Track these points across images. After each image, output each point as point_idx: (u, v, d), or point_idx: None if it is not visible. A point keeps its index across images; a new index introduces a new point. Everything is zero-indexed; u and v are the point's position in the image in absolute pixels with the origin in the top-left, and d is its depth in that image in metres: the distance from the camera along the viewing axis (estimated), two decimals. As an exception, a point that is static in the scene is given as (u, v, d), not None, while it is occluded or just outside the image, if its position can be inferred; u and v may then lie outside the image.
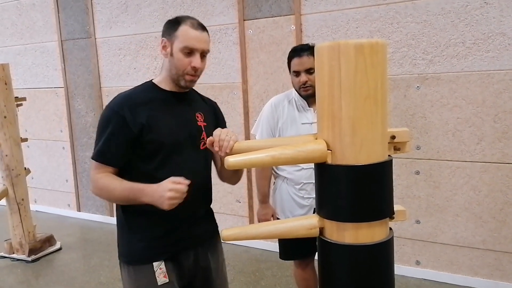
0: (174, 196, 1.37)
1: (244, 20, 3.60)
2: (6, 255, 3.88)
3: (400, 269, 3.16)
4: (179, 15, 1.57)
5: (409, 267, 3.22)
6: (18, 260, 3.82)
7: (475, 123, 2.87)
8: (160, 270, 1.55)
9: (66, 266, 3.69)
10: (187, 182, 1.40)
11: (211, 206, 1.75)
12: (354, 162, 1.06)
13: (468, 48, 2.84)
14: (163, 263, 1.55)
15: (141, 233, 1.57)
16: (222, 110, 1.78)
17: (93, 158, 1.53)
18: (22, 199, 3.84)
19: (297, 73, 2.18)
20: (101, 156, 1.51)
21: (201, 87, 4.01)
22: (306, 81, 2.15)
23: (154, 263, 1.54)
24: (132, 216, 1.58)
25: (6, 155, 3.73)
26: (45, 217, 4.94)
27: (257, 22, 3.55)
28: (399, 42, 3.03)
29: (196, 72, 1.53)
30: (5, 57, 5.08)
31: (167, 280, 1.55)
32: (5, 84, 3.70)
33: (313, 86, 2.14)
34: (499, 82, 2.78)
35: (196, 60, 1.50)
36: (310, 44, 2.23)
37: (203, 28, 1.53)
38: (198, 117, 1.62)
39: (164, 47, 1.54)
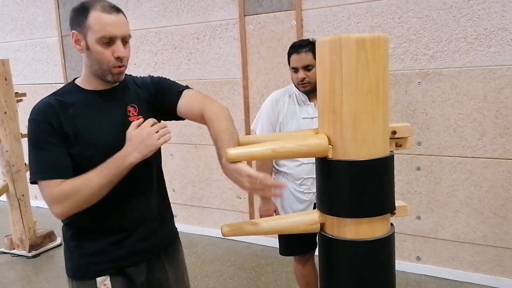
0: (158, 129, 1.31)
1: (244, 16, 3.58)
2: (7, 251, 3.89)
3: (400, 265, 3.15)
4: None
5: (410, 263, 3.21)
6: (18, 255, 3.82)
7: (476, 119, 2.86)
8: (104, 287, 1.43)
9: (66, 261, 3.69)
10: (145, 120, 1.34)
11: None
12: (355, 157, 1.05)
13: (470, 43, 2.82)
14: (108, 278, 1.43)
15: (82, 248, 1.44)
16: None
17: (42, 178, 1.30)
18: (23, 195, 3.84)
19: (295, 70, 2.18)
20: (51, 170, 1.30)
21: (201, 82, 4.02)
22: (304, 78, 2.14)
23: (97, 279, 1.42)
24: (73, 230, 1.45)
25: (7, 151, 3.73)
26: (45, 213, 4.88)
27: (258, 17, 3.53)
28: (400, 38, 3.01)
29: (122, 62, 1.34)
30: (5, 53, 5.07)
31: None
32: (5, 79, 3.70)
33: (311, 83, 2.14)
34: (500, 78, 2.77)
35: (118, 49, 1.31)
36: (311, 39, 2.21)
37: (117, 10, 1.33)
38: (130, 111, 1.43)
39: (76, 41, 1.34)
